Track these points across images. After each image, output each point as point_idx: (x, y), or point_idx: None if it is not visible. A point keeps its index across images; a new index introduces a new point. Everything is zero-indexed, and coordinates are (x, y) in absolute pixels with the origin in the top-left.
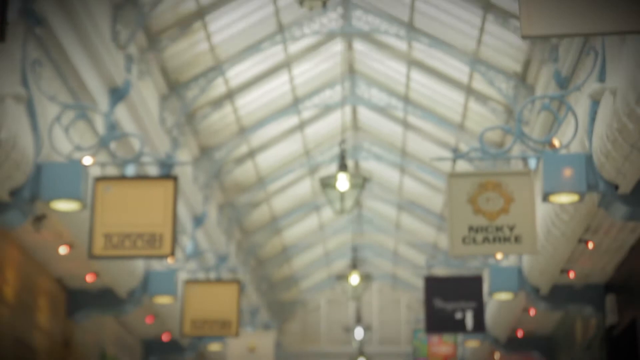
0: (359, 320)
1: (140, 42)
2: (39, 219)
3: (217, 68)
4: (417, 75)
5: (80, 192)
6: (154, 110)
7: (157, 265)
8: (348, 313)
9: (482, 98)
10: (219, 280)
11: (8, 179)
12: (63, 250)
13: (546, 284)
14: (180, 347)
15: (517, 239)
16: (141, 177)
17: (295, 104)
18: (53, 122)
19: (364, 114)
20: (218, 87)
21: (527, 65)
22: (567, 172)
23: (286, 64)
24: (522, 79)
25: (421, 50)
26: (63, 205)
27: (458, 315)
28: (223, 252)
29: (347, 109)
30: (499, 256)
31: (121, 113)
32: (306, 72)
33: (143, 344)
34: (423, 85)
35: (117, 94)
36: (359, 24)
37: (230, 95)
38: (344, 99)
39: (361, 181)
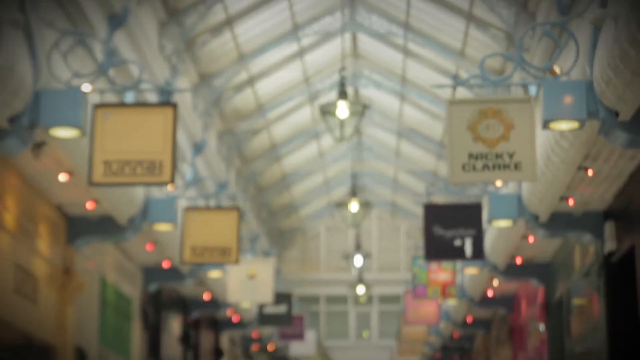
0: (358, 248)
1: None
2: (39, 146)
3: None
4: (417, 2)
5: (80, 119)
6: (153, 37)
7: (156, 193)
8: (347, 240)
9: (483, 25)
10: (218, 208)
11: (7, 105)
12: (63, 177)
13: (545, 211)
14: (180, 274)
15: (516, 166)
16: (140, 104)
17: (295, 30)
18: (51, 48)
19: (364, 41)
20: (217, 14)
21: None
22: (568, 99)
23: None
24: (523, 6)
25: None
26: (62, 132)
27: (457, 243)
28: (223, 179)
29: (347, 36)
30: (498, 183)
31: (120, 40)
32: None
33: (143, 270)
34: (423, 12)
35: (116, 21)
36: None
37: (229, 22)
38: (344, 26)
39: (361, 108)
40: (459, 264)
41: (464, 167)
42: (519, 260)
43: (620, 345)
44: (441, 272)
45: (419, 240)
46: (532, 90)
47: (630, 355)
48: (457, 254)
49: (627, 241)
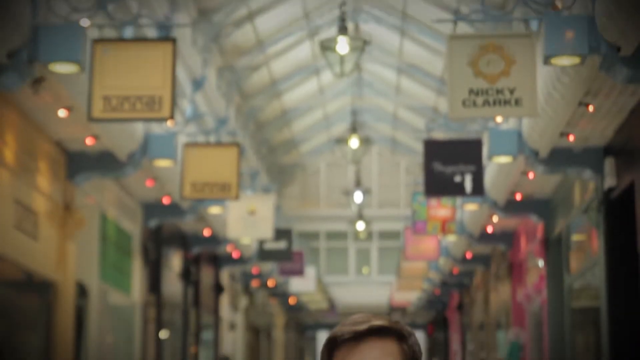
0: (358, 184)
1: None
2: (38, 82)
3: None
4: None
5: (79, 54)
6: None
7: (156, 129)
8: (347, 176)
9: None
10: (218, 144)
11: (5, 41)
12: (62, 113)
13: (545, 147)
14: (180, 209)
15: (517, 102)
16: (139, 39)
17: None
18: None
19: None
20: None
21: None
22: (569, 34)
23: None
24: None
25: None
26: (61, 68)
27: (457, 179)
28: (222, 115)
29: None
30: (498, 119)
31: None
32: None
33: (143, 206)
34: None
35: None
36: None
37: None
38: None
39: (361, 44)
40: (458, 200)
41: (464, 103)
42: (518, 197)
43: (619, 280)
44: (441, 208)
45: (419, 176)
46: (534, 25)
47: (629, 291)
48: (457, 190)
49: (626, 177)
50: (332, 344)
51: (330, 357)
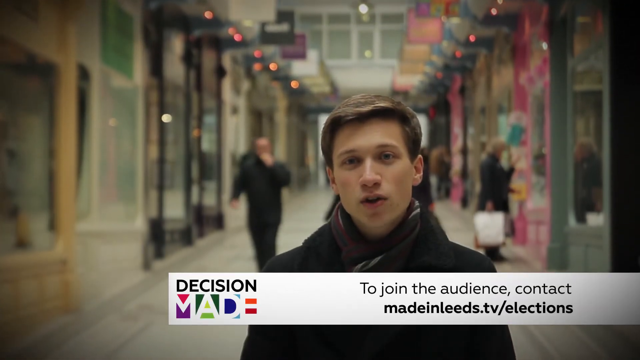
0: None
1: None
2: None
3: None
4: None
5: None
6: None
7: None
8: None
9: None
10: None
11: None
12: None
13: None
14: None
15: None
16: None
17: None
18: None
19: None
20: None
21: None
22: None
23: None
24: None
25: None
26: None
27: None
28: None
29: None
30: None
31: None
32: None
33: None
34: None
35: None
36: None
37: None
38: None
39: None
40: None
41: None
42: None
43: (623, 63)
44: None
45: None
46: None
47: (632, 74)
48: None
49: None
50: (336, 124)
51: (333, 137)
